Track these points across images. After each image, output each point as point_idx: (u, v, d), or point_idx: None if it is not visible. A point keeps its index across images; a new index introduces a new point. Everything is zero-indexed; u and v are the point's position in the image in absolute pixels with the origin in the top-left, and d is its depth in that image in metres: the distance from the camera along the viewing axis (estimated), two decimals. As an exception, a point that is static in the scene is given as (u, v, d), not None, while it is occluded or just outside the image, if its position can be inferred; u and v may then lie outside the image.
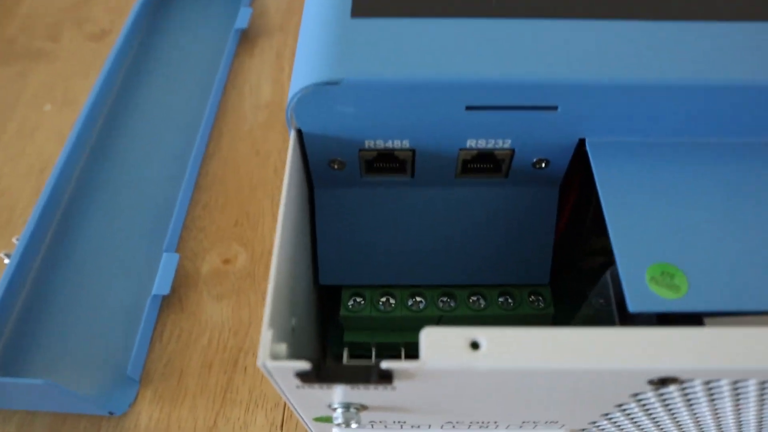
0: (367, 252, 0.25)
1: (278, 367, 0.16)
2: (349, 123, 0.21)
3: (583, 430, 0.25)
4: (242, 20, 0.45)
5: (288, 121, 0.21)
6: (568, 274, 0.27)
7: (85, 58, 0.46)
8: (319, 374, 0.16)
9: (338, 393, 0.19)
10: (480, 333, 0.16)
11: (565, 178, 0.24)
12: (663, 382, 0.17)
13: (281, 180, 0.38)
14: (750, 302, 0.18)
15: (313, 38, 0.21)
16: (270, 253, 0.35)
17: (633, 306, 0.18)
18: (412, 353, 0.23)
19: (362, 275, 0.26)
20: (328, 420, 0.23)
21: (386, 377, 0.16)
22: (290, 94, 0.20)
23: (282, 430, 0.29)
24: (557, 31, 0.20)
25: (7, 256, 0.34)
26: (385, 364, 0.16)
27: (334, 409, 0.20)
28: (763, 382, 0.18)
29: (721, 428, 0.24)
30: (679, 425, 0.23)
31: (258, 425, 0.29)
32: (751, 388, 0.18)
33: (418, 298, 0.26)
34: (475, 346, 0.16)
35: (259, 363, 0.16)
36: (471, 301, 0.26)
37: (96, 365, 0.31)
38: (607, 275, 0.20)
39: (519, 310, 0.26)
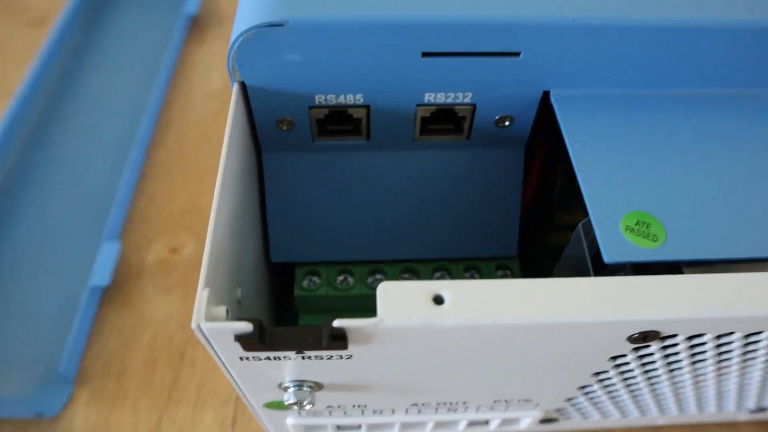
0: (322, 225, 0.23)
1: (215, 329, 0.14)
2: (297, 74, 0.19)
3: (559, 410, 0.23)
4: (191, 6, 0.43)
5: (230, 73, 0.19)
6: (535, 251, 0.26)
7: (22, 46, 0.44)
8: (263, 337, 0.14)
9: (289, 368, 0.17)
10: (443, 286, 0.15)
11: (530, 140, 0.23)
12: (644, 338, 0.16)
13: (232, 167, 0.36)
14: (729, 250, 0.17)
15: (254, -18, 0.19)
16: (220, 241, 0.33)
17: (609, 257, 0.16)
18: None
19: (317, 251, 0.24)
20: (280, 406, 0.20)
21: (339, 338, 0.15)
22: (231, 40, 0.18)
23: (234, 428, 0.27)
24: (518, -27, 0.19)
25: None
26: (337, 323, 0.14)
27: (286, 389, 0.18)
28: (747, 336, 0.17)
29: (700, 400, 0.22)
30: (658, 398, 0.22)
31: (207, 424, 0.27)
32: (735, 345, 0.17)
33: (378, 275, 0.24)
34: (438, 300, 0.15)
35: (193, 325, 0.14)
36: (435, 276, 0.24)
37: (24, 364, 0.28)
38: (580, 228, 0.19)
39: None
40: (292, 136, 0.21)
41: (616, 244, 0.17)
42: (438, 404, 0.21)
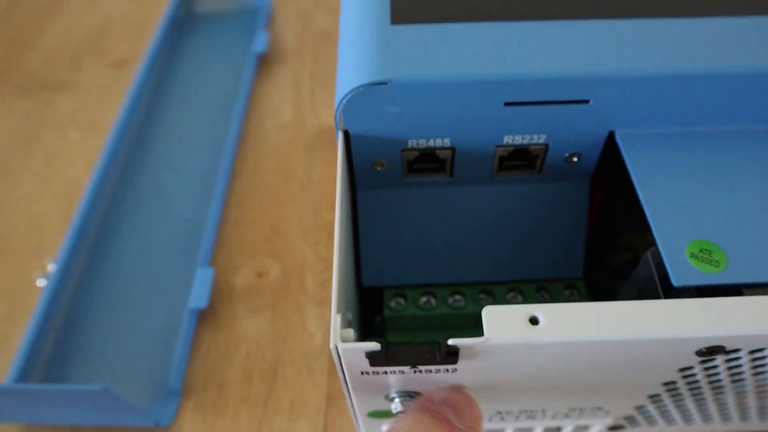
0: (408, 252, 0.26)
1: (349, 349, 0.17)
2: (393, 123, 0.22)
3: (627, 418, 0.25)
4: (260, 44, 0.47)
5: (336, 124, 0.22)
6: (598, 271, 0.28)
7: (106, 86, 0.48)
8: (388, 354, 0.17)
9: (397, 380, 0.20)
10: (538, 309, 0.17)
11: (594, 172, 0.25)
12: (711, 352, 0.18)
13: (309, 197, 0.39)
14: (787, 274, 0.19)
15: (355, 44, 0.22)
16: (302, 266, 0.36)
17: (677, 280, 0.19)
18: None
19: (403, 275, 0.26)
20: (383, 415, 0.23)
21: (453, 354, 0.17)
22: (338, 97, 0.21)
23: (325, 434, 0.29)
24: (586, 30, 0.22)
25: (43, 278, 0.35)
26: (451, 341, 0.17)
27: (392, 399, 0.21)
28: (806, 350, 0.19)
29: (762, 409, 0.24)
30: (721, 406, 0.24)
31: (301, 431, 0.30)
32: (795, 357, 0.19)
33: (458, 296, 0.27)
34: (534, 321, 0.17)
35: (330, 346, 0.17)
36: (509, 296, 0.27)
37: (137, 379, 0.31)
38: (648, 256, 0.21)
39: (555, 303, 0.26)
40: (385, 174, 0.24)
41: (682, 269, 0.19)
42: (519, 412, 0.24)
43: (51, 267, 0.35)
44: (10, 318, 0.35)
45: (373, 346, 0.17)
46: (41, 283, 0.35)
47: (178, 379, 0.31)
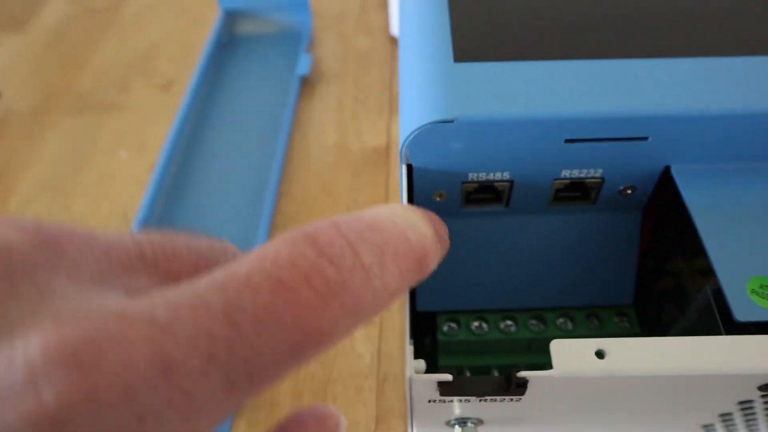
0: (462, 278, 0.27)
1: (423, 380, 0.18)
2: (456, 158, 0.23)
3: (677, 444, 0.26)
4: (303, 67, 0.48)
5: (401, 158, 0.23)
6: (648, 298, 0.29)
7: (154, 107, 0.49)
8: (459, 385, 0.18)
9: (460, 407, 0.21)
10: (604, 343, 0.18)
11: (648, 203, 0.26)
12: (774, 386, 0.19)
13: (352, 216, 0.40)
14: None
15: (419, 82, 0.23)
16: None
17: (740, 315, 0.19)
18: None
19: (456, 301, 0.27)
20: (438, 437, 0.24)
21: (522, 386, 0.18)
22: (404, 134, 0.22)
23: (375, 453, 0.30)
24: (644, 69, 0.22)
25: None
26: (522, 373, 0.18)
27: (453, 425, 0.22)
28: None
29: (812, 438, 0.25)
30: (773, 435, 0.24)
31: (352, 450, 0.30)
32: None
33: (509, 322, 0.27)
34: (599, 355, 0.18)
35: (406, 377, 0.18)
36: (559, 322, 0.27)
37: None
38: (708, 292, 0.21)
39: (605, 329, 0.27)
40: (443, 204, 0.25)
41: (743, 305, 0.19)
42: (574, 438, 0.24)
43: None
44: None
45: (446, 377, 0.18)
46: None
47: (231, 396, 0.32)
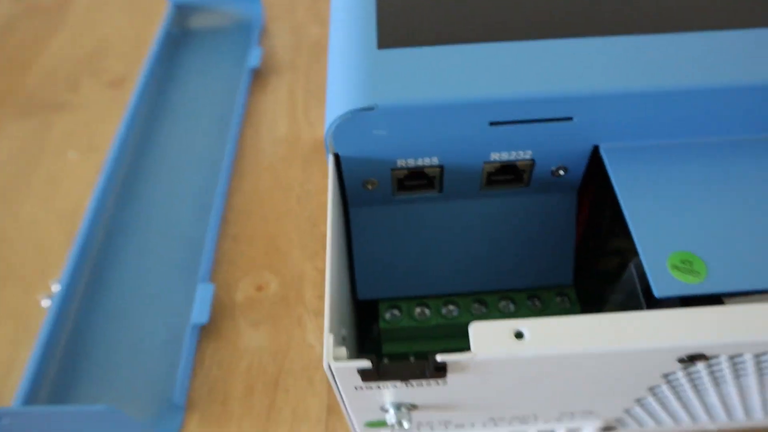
0: (401, 266, 0.27)
1: (342, 367, 0.18)
2: (382, 145, 0.23)
3: (618, 420, 0.26)
4: (254, 59, 0.47)
5: (326, 147, 0.23)
6: (587, 278, 0.29)
7: (104, 105, 0.48)
8: (379, 371, 0.18)
9: (391, 393, 0.21)
10: (522, 324, 0.18)
11: (581, 183, 0.26)
12: (691, 359, 0.19)
13: (305, 210, 0.40)
14: (764, 282, 0.20)
15: (343, 70, 0.23)
16: (301, 279, 0.36)
17: (658, 291, 0.19)
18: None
19: (397, 288, 0.27)
20: (379, 425, 0.24)
21: (441, 369, 0.18)
22: (327, 123, 0.22)
23: (326, 444, 0.30)
24: (567, 49, 0.22)
25: (47, 298, 0.35)
26: (439, 357, 0.18)
27: (386, 411, 0.22)
28: (784, 354, 0.19)
29: (747, 408, 0.25)
30: (707, 406, 0.24)
31: (303, 441, 0.30)
32: (774, 361, 0.20)
33: (451, 307, 0.27)
34: (519, 335, 0.18)
35: (324, 365, 0.18)
36: (501, 305, 0.27)
37: (142, 396, 0.32)
38: (632, 267, 0.22)
39: (547, 311, 0.27)
40: (376, 193, 0.25)
41: (664, 280, 0.20)
42: (512, 418, 0.24)
43: (55, 288, 0.36)
44: (16, 339, 0.35)
45: (365, 364, 0.18)
46: (46, 303, 0.35)
47: (182, 393, 0.32)
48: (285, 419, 0.31)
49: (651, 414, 0.25)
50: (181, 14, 0.53)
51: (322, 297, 0.36)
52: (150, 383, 0.33)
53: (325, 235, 0.38)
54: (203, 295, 0.34)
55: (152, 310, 0.35)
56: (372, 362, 0.18)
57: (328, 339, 0.18)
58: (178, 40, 0.52)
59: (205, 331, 0.35)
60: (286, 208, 0.40)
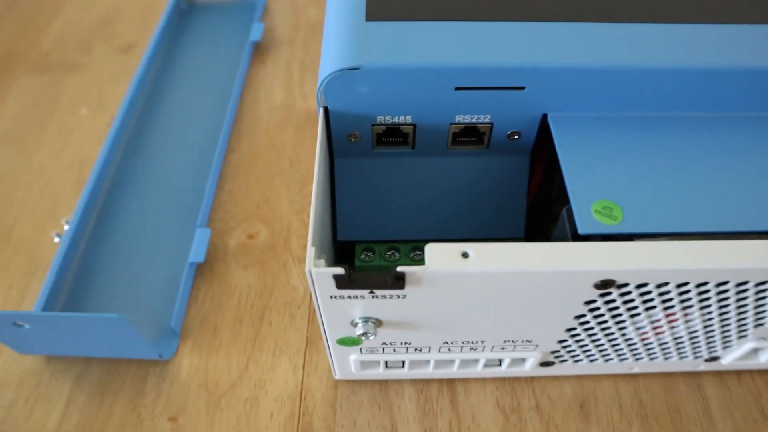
0: (377, 212, 0.31)
1: (320, 272, 0.22)
2: (365, 102, 0.27)
3: (554, 353, 0.30)
4: (256, 34, 0.51)
5: (318, 102, 0.27)
6: (536, 232, 0.33)
7: (114, 68, 0.52)
8: (351, 278, 0.22)
9: (360, 307, 0.25)
10: (468, 246, 0.22)
11: (534, 149, 0.30)
12: (605, 284, 0.23)
13: (296, 172, 0.44)
14: (669, 226, 0.24)
15: (335, 36, 0.27)
16: (288, 230, 0.41)
17: (582, 229, 0.24)
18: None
19: (372, 232, 0.31)
20: (349, 342, 0.28)
21: (400, 279, 0.22)
22: (320, 79, 0.26)
23: (303, 369, 0.34)
24: (526, 30, 0.27)
25: (58, 235, 0.39)
26: (399, 269, 0.22)
27: (356, 324, 0.26)
28: (678, 286, 0.24)
29: (662, 347, 0.29)
30: (629, 342, 0.29)
31: (283, 367, 0.35)
32: (672, 294, 0.24)
33: (419, 252, 0.32)
34: (465, 255, 0.22)
35: (305, 270, 0.22)
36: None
37: (143, 322, 0.36)
38: (564, 212, 0.26)
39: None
40: (358, 146, 0.29)
41: (587, 222, 0.24)
42: (463, 343, 0.29)
43: (66, 226, 0.39)
44: (30, 270, 0.39)
45: (339, 270, 0.22)
46: (57, 240, 0.39)
47: (178, 322, 0.36)
48: (268, 348, 0.35)
49: (582, 348, 0.30)
50: (189, -12, 0.57)
51: (306, 247, 0.40)
52: (150, 312, 0.37)
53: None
54: (201, 238, 0.38)
55: (154, 250, 0.39)
56: (345, 270, 0.22)
57: (311, 251, 0.22)
58: (186, 12, 0.56)
59: (201, 271, 0.39)
60: (278, 168, 0.44)
